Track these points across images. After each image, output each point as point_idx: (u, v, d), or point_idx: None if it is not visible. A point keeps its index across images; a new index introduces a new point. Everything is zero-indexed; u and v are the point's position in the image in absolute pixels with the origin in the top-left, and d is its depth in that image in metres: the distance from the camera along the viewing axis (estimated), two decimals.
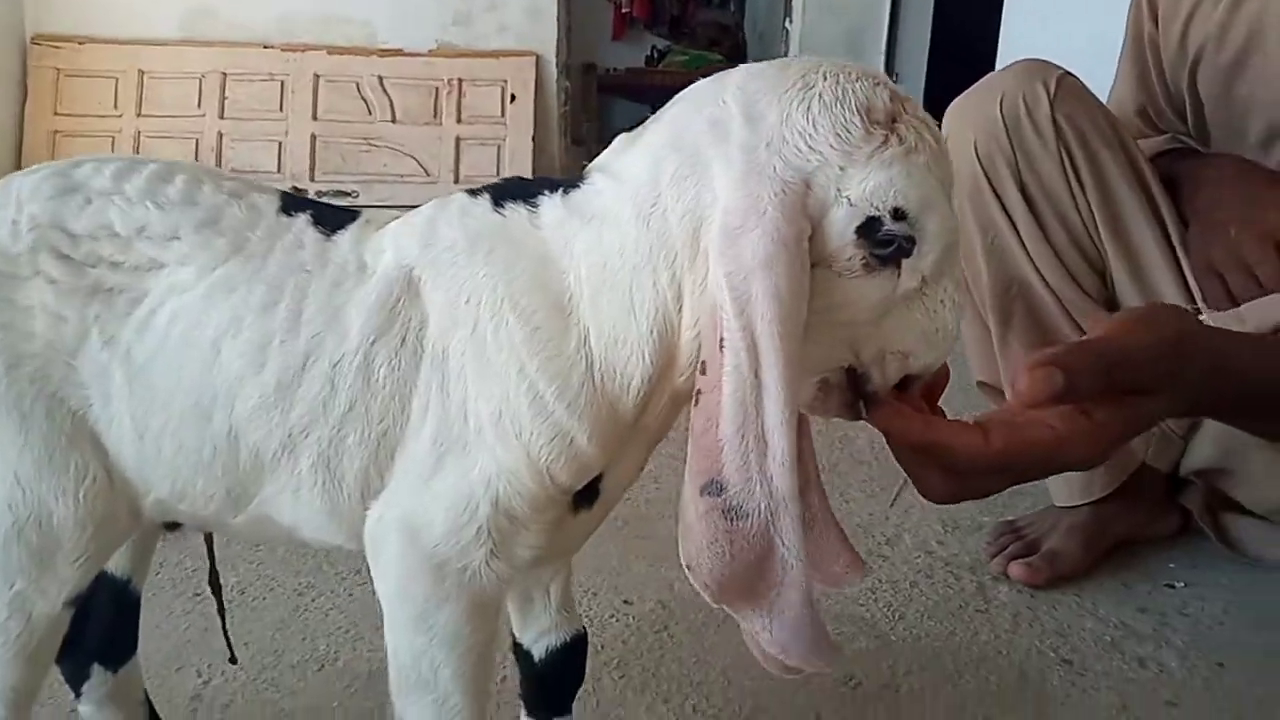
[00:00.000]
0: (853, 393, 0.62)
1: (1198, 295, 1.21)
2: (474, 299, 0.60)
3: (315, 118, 4.56)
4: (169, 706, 0.96)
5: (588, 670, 0.88)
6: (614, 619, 1.20)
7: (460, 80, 4.62)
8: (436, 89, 4.60)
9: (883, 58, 5.05)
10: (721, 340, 0.53)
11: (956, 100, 1.34)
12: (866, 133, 0.54)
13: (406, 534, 0.61)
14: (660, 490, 1.55)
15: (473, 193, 0.65)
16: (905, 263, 0.56)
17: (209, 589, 0.87)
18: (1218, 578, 1.32)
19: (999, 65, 3.72)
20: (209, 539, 0.84)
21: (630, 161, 0.59)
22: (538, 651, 0.80)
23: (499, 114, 4.63)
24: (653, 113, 0.62)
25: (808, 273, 0.54)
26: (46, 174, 0.66)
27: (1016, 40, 3.67)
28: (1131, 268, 1.26)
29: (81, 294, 0.63)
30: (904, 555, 1.37)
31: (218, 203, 0.65)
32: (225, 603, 0.89)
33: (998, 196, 1.27)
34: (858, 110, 0.54)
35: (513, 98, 4.64)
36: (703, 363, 0.55)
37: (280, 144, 4.55)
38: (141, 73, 4.49)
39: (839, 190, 0.54)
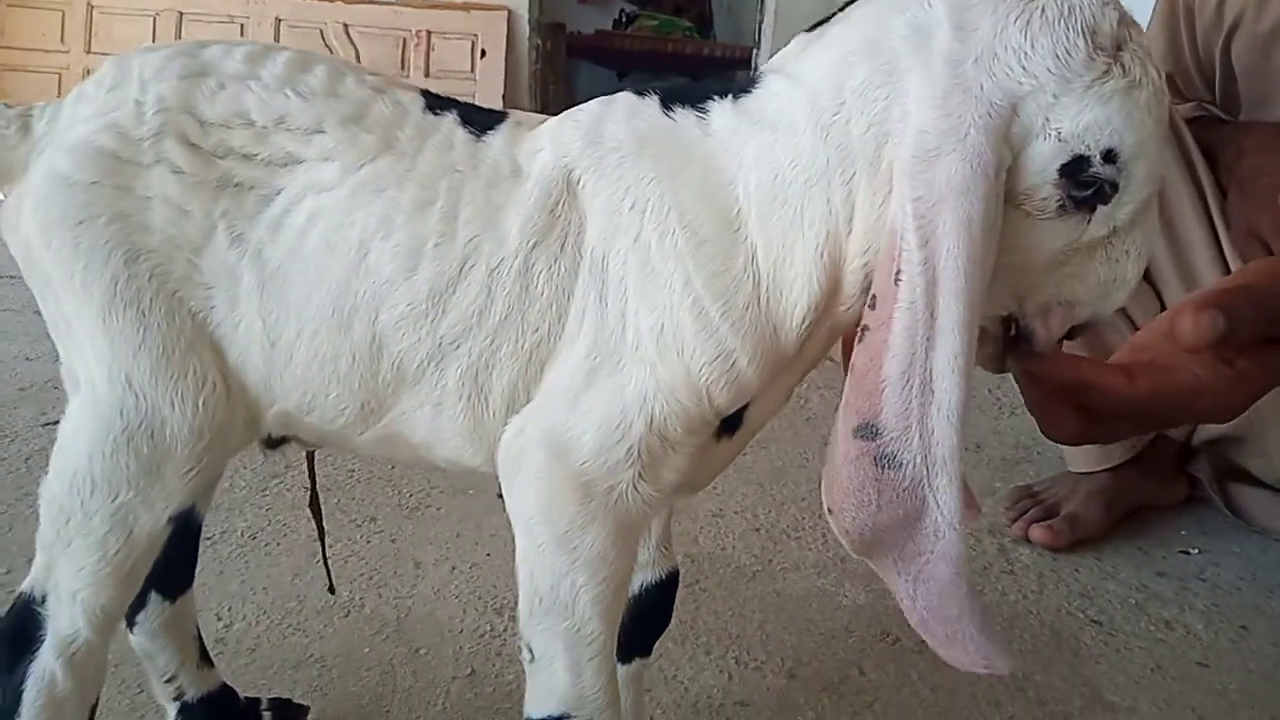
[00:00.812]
0: (1003, 344, 0.57)
1: (1234, 264, 1.21)
2: (639, 205, 0.56)
3: None
4: None
5: None
6: None
7: (429, 32, 4.48)
8: (404, 40, 4.46)
9: None
10: (898, 273, 0.48)
11: None
12: (1089, 59, 0.48)
13: (552, 450, 0.57)
14: None
15: (639, 93, 0.60)
16: (1100, 209, 0.50)
17: (309, 512, 0.82)
18: (1229, 545, 1.34)
19: None
20: (310, 458, 0.79)
21: (813, 63, 0.54)
22: (634, 587, 0.76)
23: (469, 69, 4.51)
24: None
25: (1002, 208, 0.49)
26: (171, 53, 0.60)
27: None
28: (1167, 232, 1.25)
29: (209, 187, 0.58)
30: None
31: (363, 96, 0.61)
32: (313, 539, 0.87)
33: None
34: (1083, 32, 0.49)
35: (483, 53, 4.53)
36: (873, 296, 0.51)
37: None
38: (90, 7, 4.27)
39: (1048, 120, 0.49)
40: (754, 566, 1.20)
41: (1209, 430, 1.36)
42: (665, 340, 0.55)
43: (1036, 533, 1.29)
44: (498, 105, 4.15)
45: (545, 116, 0.63)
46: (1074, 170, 0.49)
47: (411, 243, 0.58)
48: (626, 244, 0.56)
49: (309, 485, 0.80)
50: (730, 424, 0.59)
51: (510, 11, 4.62)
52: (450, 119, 0.61)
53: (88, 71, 4.24)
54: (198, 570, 0.99)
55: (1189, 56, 1.37)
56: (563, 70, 5.76)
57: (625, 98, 0.60)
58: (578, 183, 0.57)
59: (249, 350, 0.60)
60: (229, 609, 1.01)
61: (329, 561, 0.87)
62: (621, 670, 0.80)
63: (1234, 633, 1.13)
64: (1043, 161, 0.49)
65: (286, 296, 0.59)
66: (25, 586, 0.63)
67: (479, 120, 0.62)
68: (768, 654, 1.03)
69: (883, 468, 0.49)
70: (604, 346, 0.56)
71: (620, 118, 0.59)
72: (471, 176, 0.59)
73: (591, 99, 0.62)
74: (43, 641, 0.62)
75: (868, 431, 0.49)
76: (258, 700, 0.85)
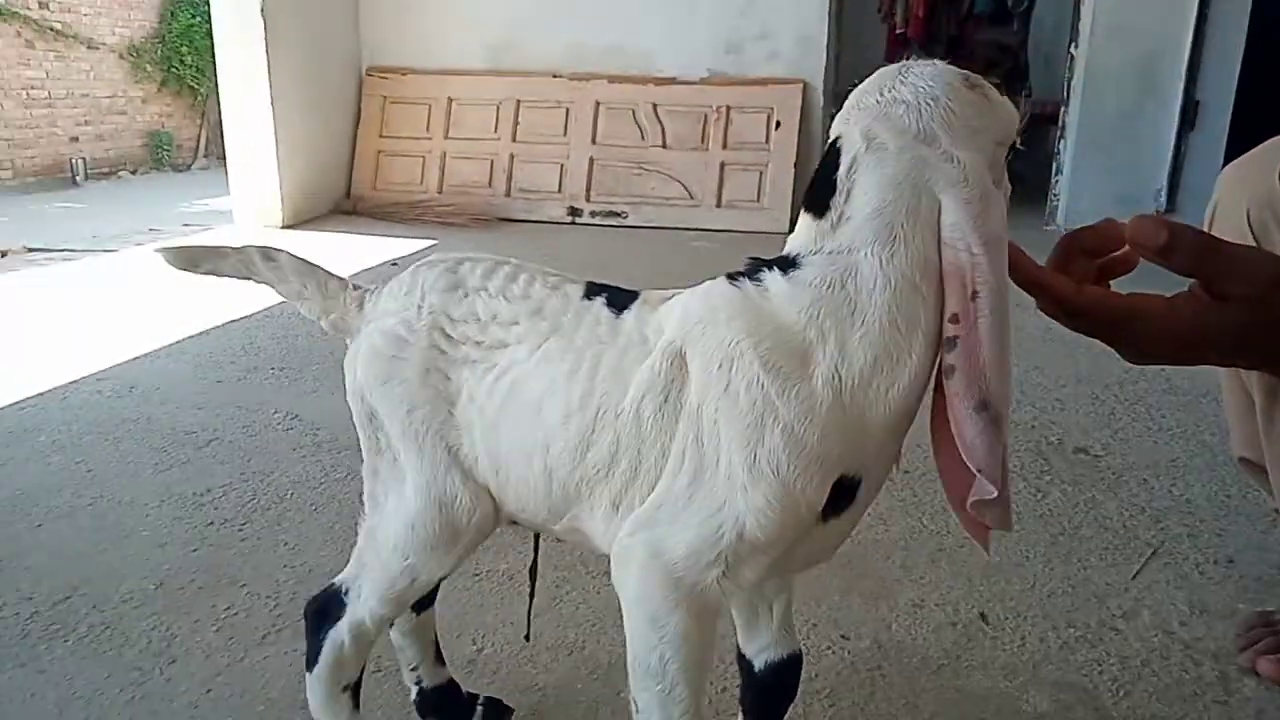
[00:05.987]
0: None
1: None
2: (725, 363, 0.72)
3: (594, 142, 4.92)
4: (451, 664, 1.16)
5: (801, 695, 0.97)
6: (830, 651, 1.28)
7: (728, 107, 4.80)
8: (705, 115, 4.81)
9: (1181, 86, 4.65)
10: (974, 293, 0.67)
11: (1233, 163, 1.29)
12: (984, 98, 0.72)
13: (652, 553, 0.74)
14: (888, 532, 1.60)
15: (713, 279, 0.78)
16: None
17: (528, 575, 1.09)
18: None
19: None
20: (537, 537, 1.05)
21: (851, 234, 0.70)
22: (758, 664, 0.92)
23: (763, 140, 4.77)
24: None
25: None
26: (441, 270, 0.87)
27: None
28: None
29: (457, 363, 0.84)
30: (1139, 632, 1.34)
31: (543, 295, 0.84)
32: (534, 589, 1.11)
33: None
34: (969, 90, 0.71)
35: (778, 124, 4.76)
36: (953, 314, 0.68)
37: (562, 166, 4.94)
38: (450, 100, 5.06)
39: (997, 144, 0.72)
40: (940, 660, 1.26)
41: None
42: (759, 467, 0.70)
43: (1264, 665, 1.23)
44: (790, 173, 4.34)
45: (673, 291, 0.81)
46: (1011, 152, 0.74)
47: (566, 399, 0.78)
48: (717, 394, 0.72)
49: (533, 553, 1.03)
50: (837, 506, 0.73)
51: (806, 84, 4.82)
52: (599, 302, 0.82)
53: (444, 154, 5.03)
54: (464, 600, 1.26)
55: None
56: None
57: (705, 284, 0.78)
58: (681, 352, 0.75)
59: (487, 474, 0.84)
60: (483, 635, 1.27)
61: (532, 617, 1.12)
62: None
63: None
64: (1001, 162, 0.73)
65: (499, 439, 0.82)
66: (338, 580, 0.92)
67: (619, 301, 0.82)
68: None
69: (998, 426, 0.67)
70: (700, 477, 0.73)
71: (700, 295, 0.77)
72: (611, 346, 0.79)
73: None
74: (340, 618, 0.91)
75: (981, 406, 0.67)
76: (475, 695, 1.12)
